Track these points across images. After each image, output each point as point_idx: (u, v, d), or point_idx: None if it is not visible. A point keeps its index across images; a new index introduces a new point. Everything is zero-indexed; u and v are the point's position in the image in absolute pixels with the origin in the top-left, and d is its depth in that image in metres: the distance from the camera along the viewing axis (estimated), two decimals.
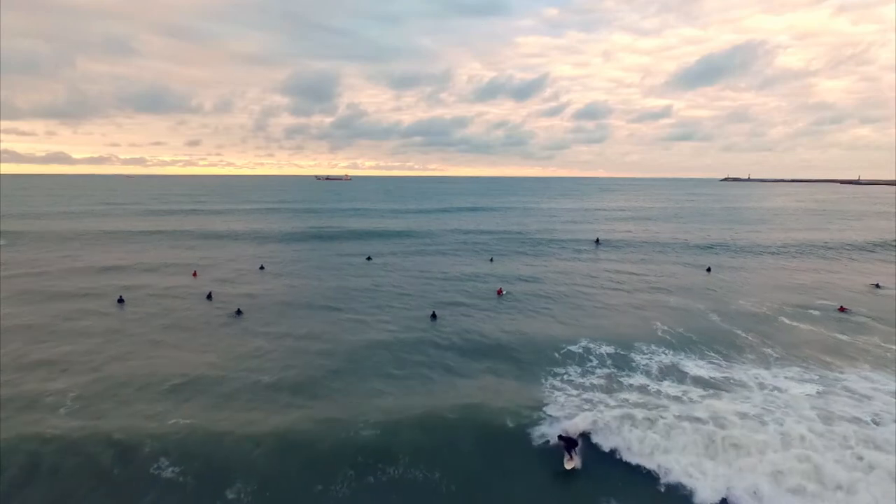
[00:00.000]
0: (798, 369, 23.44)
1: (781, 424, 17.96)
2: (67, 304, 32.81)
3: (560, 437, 16.83)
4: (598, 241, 63.57)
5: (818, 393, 20.89)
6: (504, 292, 36.70)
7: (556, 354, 24.77)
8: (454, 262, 50.78)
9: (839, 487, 14.84)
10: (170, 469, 15.54)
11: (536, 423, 18.20)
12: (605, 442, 17.21)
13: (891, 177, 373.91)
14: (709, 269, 46.01)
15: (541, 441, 17.32)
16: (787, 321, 30.57)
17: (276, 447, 16.53)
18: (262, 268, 44.76)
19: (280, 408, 19.26)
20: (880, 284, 39.03)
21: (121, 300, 33.11)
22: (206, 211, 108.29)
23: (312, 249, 57.70)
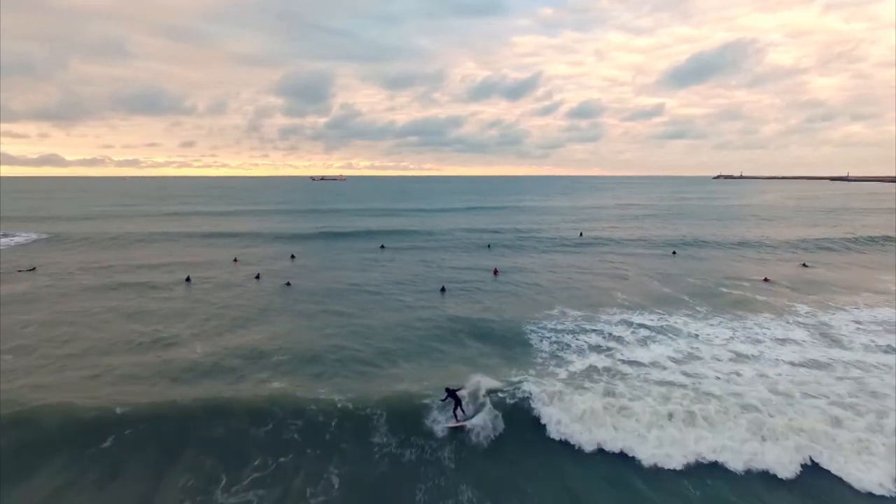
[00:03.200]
0: (719, 318, 31.44)
1: (696, 357, 25.99)
2: (143, 290, 38.69)
3: (447, 389, 19.69)
4: (581, 234, 71.40)
5: (728, 336, 28.65)
6: (499, 272, 44.44)
7: (537, 314, 32.40)
8: (456, 251, 58.67)
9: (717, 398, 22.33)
10: (274, 424, 18.91)
11: (527, 350, 26.06)
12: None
13: (881, 173, 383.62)
14: (674, 252, 53.89)
15: (541, 359, 24.92)
16: (723, 290, 38.52)
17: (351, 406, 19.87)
18: (292, 257, 52.42)
19: (350, 369, 23.95)
20: (807, 264, 47.06)
21: (188, 279, 40.63)
22: (219, 213, 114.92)
23: (328, 244, 65.00)
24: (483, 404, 19.74)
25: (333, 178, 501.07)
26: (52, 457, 17.42)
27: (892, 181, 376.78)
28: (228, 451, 17.64)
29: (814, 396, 21.27)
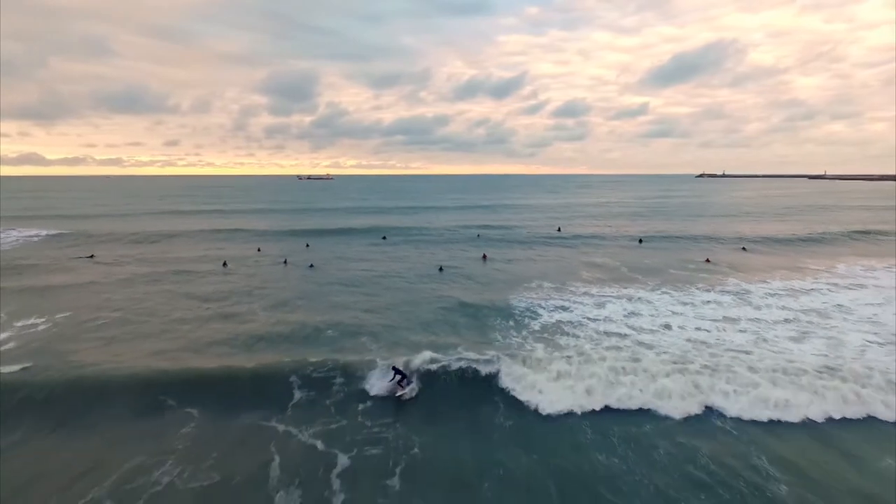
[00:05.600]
0: (664, 289, 39.50)
1: (638, 315, 33.96)
2: (188, 276, 44.44)
3: (393, 367, 22.14)
4: (559, 229, 79.47)
5: (667, 301, 36.63)
6: (487, 258, 52.24)
7: (519, 287, 40.24)
8: (449, 242, 66.48)
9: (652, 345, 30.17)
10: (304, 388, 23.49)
11: (509, 309, 33.80)
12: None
13: (861, 170, 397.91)
14: (640, 241, 62.15)
15: (518, 313, 32.63)
16: (672, 270, 46.65)
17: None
18: (307, 245, 59.87)
19: (375, 333, 31.81)
20: (746, 248, 55.52)
21: (225, 264, 47.67)
22: (221, 211, 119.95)
23: (334, 237, 71.95)
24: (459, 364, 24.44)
25: (320, 178, 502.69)
26: (140, 406, 21.29)
27: (865, 179, 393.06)
28: (288, 392, 23.40)
29: (721, 343, 28.29)
